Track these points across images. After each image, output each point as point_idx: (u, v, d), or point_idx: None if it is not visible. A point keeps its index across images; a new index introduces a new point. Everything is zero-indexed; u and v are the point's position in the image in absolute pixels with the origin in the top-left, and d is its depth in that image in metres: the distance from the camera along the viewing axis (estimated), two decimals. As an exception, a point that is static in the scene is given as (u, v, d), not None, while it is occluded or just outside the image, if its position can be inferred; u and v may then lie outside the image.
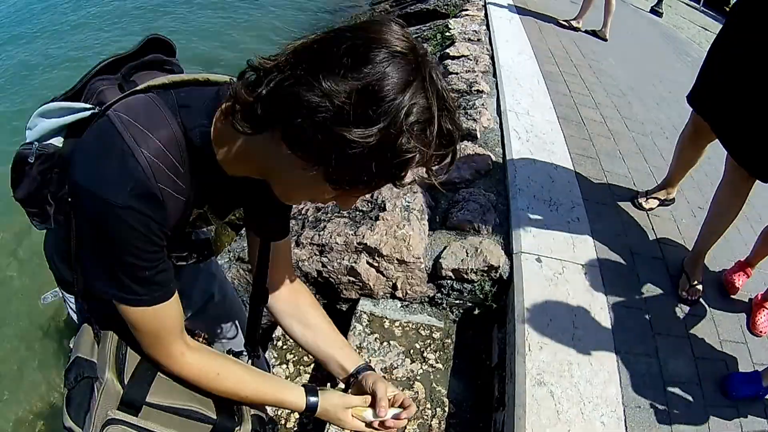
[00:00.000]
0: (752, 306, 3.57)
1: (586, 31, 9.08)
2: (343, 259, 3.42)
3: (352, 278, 3.43)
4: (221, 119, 1.36)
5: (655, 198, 4.33)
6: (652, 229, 4.07)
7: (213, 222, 1.74)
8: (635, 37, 8.89)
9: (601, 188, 4.37)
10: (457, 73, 6.16)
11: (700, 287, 3.63)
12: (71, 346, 1.71)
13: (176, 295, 1.52)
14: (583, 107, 5.88)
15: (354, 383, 1.91)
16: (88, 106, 1.53)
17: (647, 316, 3.28)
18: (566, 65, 7.18)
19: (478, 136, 4.76)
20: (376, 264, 3.39)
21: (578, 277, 3.36)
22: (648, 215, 4.20)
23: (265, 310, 2.02)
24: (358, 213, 3.74)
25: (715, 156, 4.23)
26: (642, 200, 4.31)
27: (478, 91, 5.65)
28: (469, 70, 6.22)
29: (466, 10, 8.87)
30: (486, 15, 8.56)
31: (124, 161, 1.27)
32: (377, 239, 3.40)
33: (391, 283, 3.43)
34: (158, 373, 1.62)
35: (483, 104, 5.25)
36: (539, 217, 3.76)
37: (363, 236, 3.42)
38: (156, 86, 1.42)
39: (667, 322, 3.30)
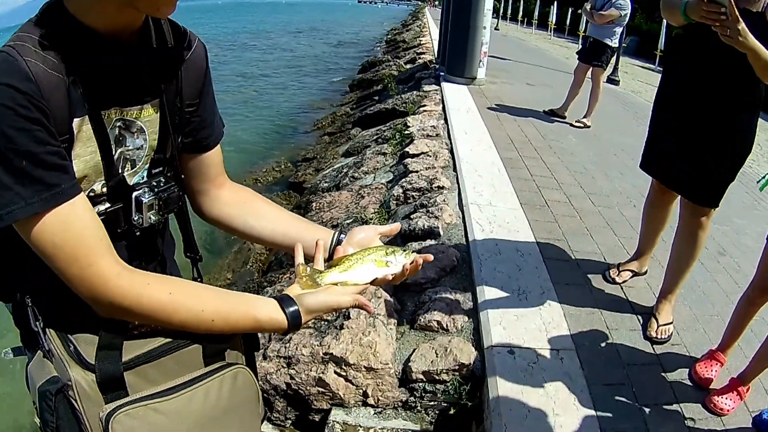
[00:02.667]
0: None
1: (544, 111, 9.28)
2: (311, 371, 3.39)
3: (321, 389, 3.38)
4: None
5: (627, 270, 4.36)
6: (628, 301, 4.06)
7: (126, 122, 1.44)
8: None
9: (571, 269, 4.39)
10: (417, 171, 6.25)
11: (670, 327, 3.72)
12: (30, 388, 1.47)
13: (85, 200, 1.28)
14: (546, 189, 5.95)
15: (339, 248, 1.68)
16: None
17: (632, 390, 3.24)
18: (526, 149, 7.31)
19: (441, 233, 4.80)
20: (344, 373, 3.37)
21: (554, 363, 3.34)
22: (622, 288, 4.21)
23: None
24: (323, 323, 3.73)
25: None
26: (614, 274, 4.33)
27: (438, 187, 5.72)
28: (429, 167, 6.32)
29: (424, 105, 9.09)
30: (444, 109, 8.72)
31: None
32: (343, 348, 3.39)
33: (361, 390, 3.39)
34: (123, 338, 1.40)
35: (444, 200, 5.31)
36: (509, 308, 3.75)
37: (329, 346, 3.41)
38: None
39: (653, 392, 3.26)
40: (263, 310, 1.44)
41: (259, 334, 1.67)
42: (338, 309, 1.54)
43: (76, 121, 1.28)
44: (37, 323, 1.43)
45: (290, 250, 1.72)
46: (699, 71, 3.33)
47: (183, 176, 1.64)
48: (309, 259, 1.64)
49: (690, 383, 3.35)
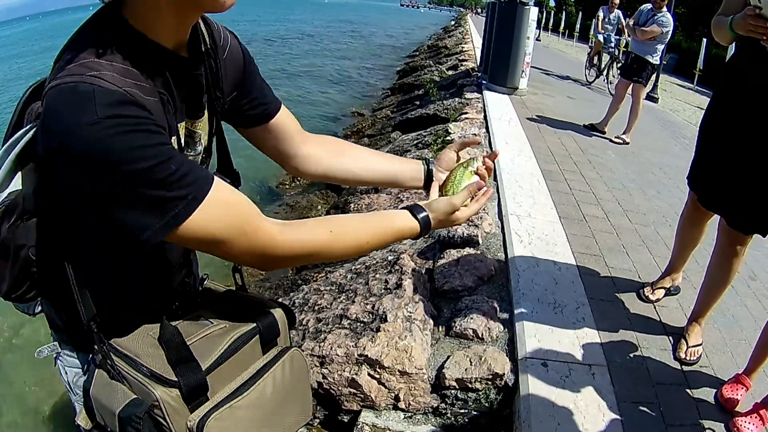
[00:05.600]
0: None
1: (585, 126, 9.26)
2: (344, 371, 3.41)
3: (353, 390, 3.40)
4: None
5: (660, 288, 4.37)
6: (660, 321, 4.06)
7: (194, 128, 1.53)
8: (634, 127, 9.04)
9: (606, 285, 4.39)
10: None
11: (699, 349, 3.72)
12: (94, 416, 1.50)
13: (217, 177, 1.30)
14: (585, 204, 5.95)
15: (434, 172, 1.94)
16: (30, 126, 1.34)
17: (659, 409, 3.24)
18: (566, 163, 7.32)
19: (480, 242, 4.81)
20: (378, 376, 3.38)
21: (586, 379, 3.35)
22: (655, 307, 4.20)
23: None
24: (359, 324, 3.75)
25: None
26: (648, 292, 4.33)
27: (479, 195, 5.67)
28: (469, 175, 6.25)
29: (466, 113, 9.07)
30: (485, 117, 8.71)
31: (75, 94, 1.12)
32: (378, 351, 3.40)
33: (393, 394, 3.40)
34: (187, 342, 1.51)
35: (484, 209, 5.31)
36: (544, 321, 3.77)
37: (364, 348, 3.42)
38: None
39: (679, 413, 3.26)
40: (400, 221, 1.63)
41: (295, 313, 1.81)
42: (463, 220, 1.76)
43: (173, 139, 1.34)
44: (104, 346, 1.48)
45: (387, 185, 2.04)
46: (752, 95, 3.26)
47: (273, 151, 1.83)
48: (406, 189, 1.99)
49: (715, 404, 3.35)
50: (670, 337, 3.88)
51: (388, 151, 8.92)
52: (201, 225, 1.23)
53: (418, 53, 26.28)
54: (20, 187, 1.40)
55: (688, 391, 3.44)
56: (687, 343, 3.75)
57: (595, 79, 15.61)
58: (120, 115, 1.10)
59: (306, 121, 14.44)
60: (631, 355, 3.65)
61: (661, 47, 8.84)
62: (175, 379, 1.42)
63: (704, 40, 17.01)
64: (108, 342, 1.50)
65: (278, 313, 1.73)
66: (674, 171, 7.85)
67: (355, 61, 24.88)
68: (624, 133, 9.07)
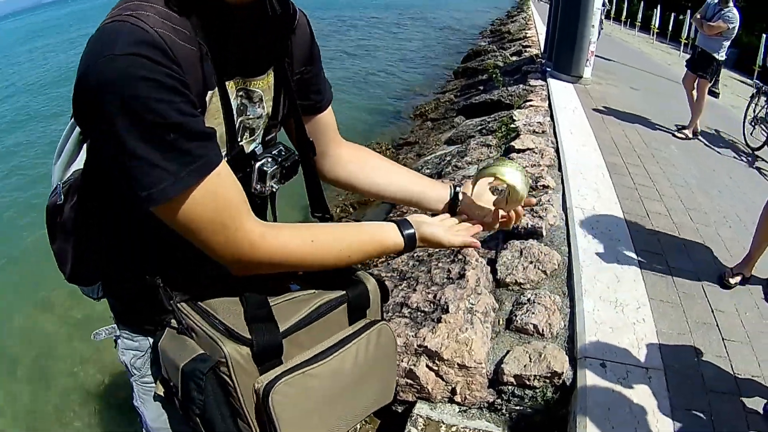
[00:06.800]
0: None
1: (677, 130, 9.07)
2: (402, 361, 3.42)
3: (410, 381, 3.41)
4: None
5: (740, 274, 4.58)
6: (717, 326, 4.02)
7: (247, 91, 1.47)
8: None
9: (667, 285, 4.36)
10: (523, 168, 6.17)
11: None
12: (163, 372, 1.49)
13: (226, 165, 1.28)
14: (648, 200, 5.90)
15: (461, 200, 1.82)
16: None
17: (710, 419, 3.22)
18: (630, 156, 7.24)
19: (544, 234, 4.80)
20: (436, 368, 3.38)
21: (642, 382, 3.34)
22: (713, 312, 4.17)
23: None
24: (419, 314, 3.77)
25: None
26: (728, 276, 4.58)
27: (544, 186, 5.73)
28: (534, 164, 6.30)
29: (530, 100, 9.02)
30: (550, 105, 8.66)
31: (105, 31, 1.12)
32: (438, 342, 3.40)
33: (450, 387, 3.40)
34: (269, 302, 1.45)
35: (549, 200, 5.33)
36: (605, 319, 3.76)
37: (424, 338, 3.43)
38: None
39: (730, 423, 3.24)
40: (388, 235, 1.56)
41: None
42: (448, 246, 1.65)
43: (208, 93, 1.30)
44: (171, 302, 1.45)
45: (409, 204, 1.91)
46: None
47: (311, 140, 1.70)
48: (429, 213, 1.78)
49: (763, 415, 3.32)
50: (726, 344, 3.84)
51: (450, 137, 8.92)
52: (182, 208, 1.20)
53: (481, 37, 26.06)
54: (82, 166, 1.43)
55: (739, 400, 3.42)
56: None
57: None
58: (138, 54, 1.08)
59: (368, 102, 14.41)
60: (688, 360, 3.62)
61: (727, 43, 8.65)
62: (249, 336, 1.36)
63: (764, 35, 16.61)
64: (182, 296, 1.48)
65: (371, 284, 1.65)
66: (735, 171, 7.74)
67: (417, 43, 24.71)
68: (687, 129, 8.94)
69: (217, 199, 1.23)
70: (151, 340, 1.61)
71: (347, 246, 1.48)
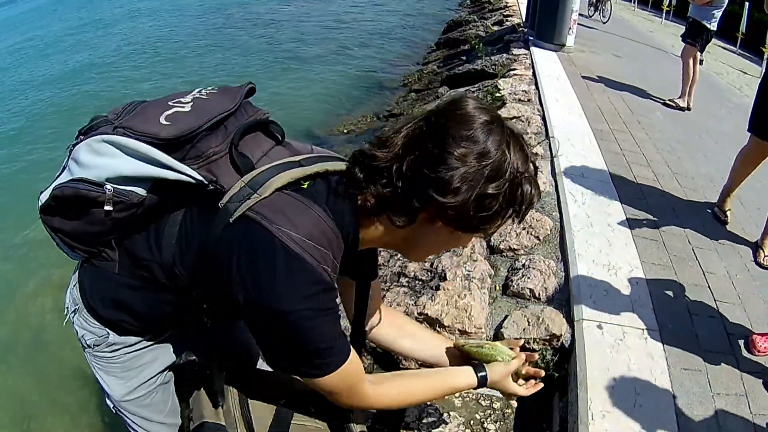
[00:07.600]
0: None
1: (667, 102, 9.01)
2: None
3: None
4: (367, 217, 1.55)
5: (731, 210, 5.17)
6: (708, 287, 4.08)
7: None
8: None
9: (658, 248, 4.41)
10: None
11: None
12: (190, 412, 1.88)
13: (353, 358, 1.61)
14: (636, 165, 5.94)
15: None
16: (195, 175, 1.44)
17: (707, 377, 3.29)
18: (616, 122, 7.27)
19: (535, 200, 4.77)
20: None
21: (639, 342, 3.38)
22: (704, 274, 4.21)
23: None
24: (417, 282, 3.79)
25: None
26: (721, 216, 5.15)
27: (533, 153, 5.65)
28: (522, 132, 6.21)
29: (514, 69, 9.01)
30: (534, 74, 8.66)
31: (291, 268, 1.38)
32: (438, 309, 3.43)
33: None
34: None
35: (539, 167, 5.26)
36: (599, 283, 3.80)
37: (424, 306, 3.46)
38: (289, 184, 1.47)
39: (725, 381, 3.30)
40: (463, 380, 2.01)
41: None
42: (506, 391, 2.14)
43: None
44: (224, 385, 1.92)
45: (435, 365, 2.27)
46: None
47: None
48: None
49: (760, 378, 3.38)
50: (718, 304, 3.91)
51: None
52: (318, 384, 1.56)
53: (461, 7, 25.88)
54: (143, 196, 1.51)
55: (734, 360, 3.48)
56: (764, 252, 4.56)
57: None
58: (315, 309, 1.42)
59: (351, 74, 14.34)
60: (682, 321, 3.67)
61: (717, 13, 8.58)
62: None
63: (746, 3, 16.66)
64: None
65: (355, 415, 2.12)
66: (721, 136, 7.77)
67: (398, 15, 24.50)
68: (679, 98, 8.93)
69: (350, 375, 1.61)
70: (109, 332, 1.77)
71: (426, 393, 1.98)
